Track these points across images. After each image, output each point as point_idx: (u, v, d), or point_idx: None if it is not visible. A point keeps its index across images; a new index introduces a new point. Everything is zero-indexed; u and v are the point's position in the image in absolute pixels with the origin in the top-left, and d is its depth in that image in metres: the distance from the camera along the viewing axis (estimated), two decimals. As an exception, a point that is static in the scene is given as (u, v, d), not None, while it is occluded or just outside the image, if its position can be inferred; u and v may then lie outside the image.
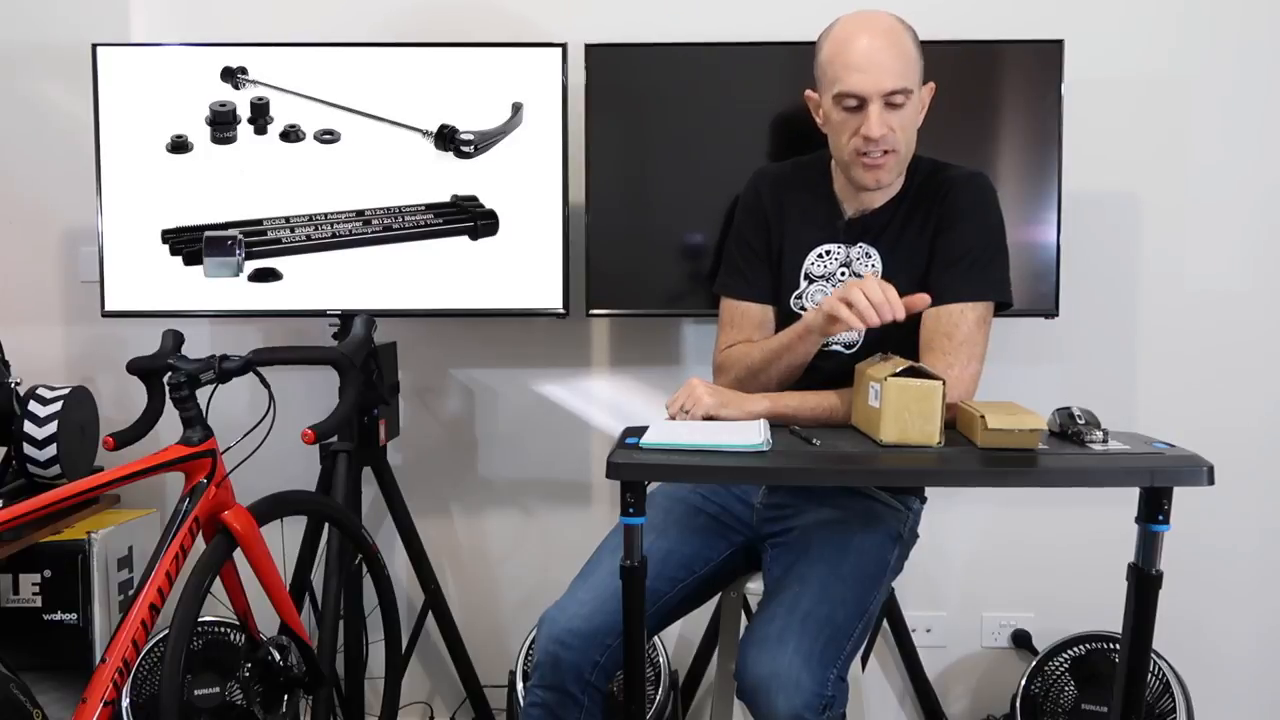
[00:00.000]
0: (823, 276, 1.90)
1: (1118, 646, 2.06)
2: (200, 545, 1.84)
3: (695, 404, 1.74)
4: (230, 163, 2.32)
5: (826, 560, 1.72)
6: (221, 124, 2.22)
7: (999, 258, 1.85)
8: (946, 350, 1.78)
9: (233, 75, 2.13)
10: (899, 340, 1.79)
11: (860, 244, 1.88)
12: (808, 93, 1.89)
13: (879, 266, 1.86)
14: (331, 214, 2.33)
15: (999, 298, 1.85)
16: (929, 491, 1.97)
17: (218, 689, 2.39)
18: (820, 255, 1.91)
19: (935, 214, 1.84)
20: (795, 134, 2.29)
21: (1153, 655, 2.03)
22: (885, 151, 1.79)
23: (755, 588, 1.87)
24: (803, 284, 1.92)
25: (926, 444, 1.56)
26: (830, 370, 1.84)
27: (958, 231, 1.82)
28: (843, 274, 1.89)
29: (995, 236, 1.85)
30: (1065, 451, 1.55)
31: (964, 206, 1.84)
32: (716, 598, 1.98)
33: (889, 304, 1.62)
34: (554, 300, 2.36)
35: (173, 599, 1.77)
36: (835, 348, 1.88)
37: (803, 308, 1.90)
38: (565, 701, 1.74)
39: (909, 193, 1.88)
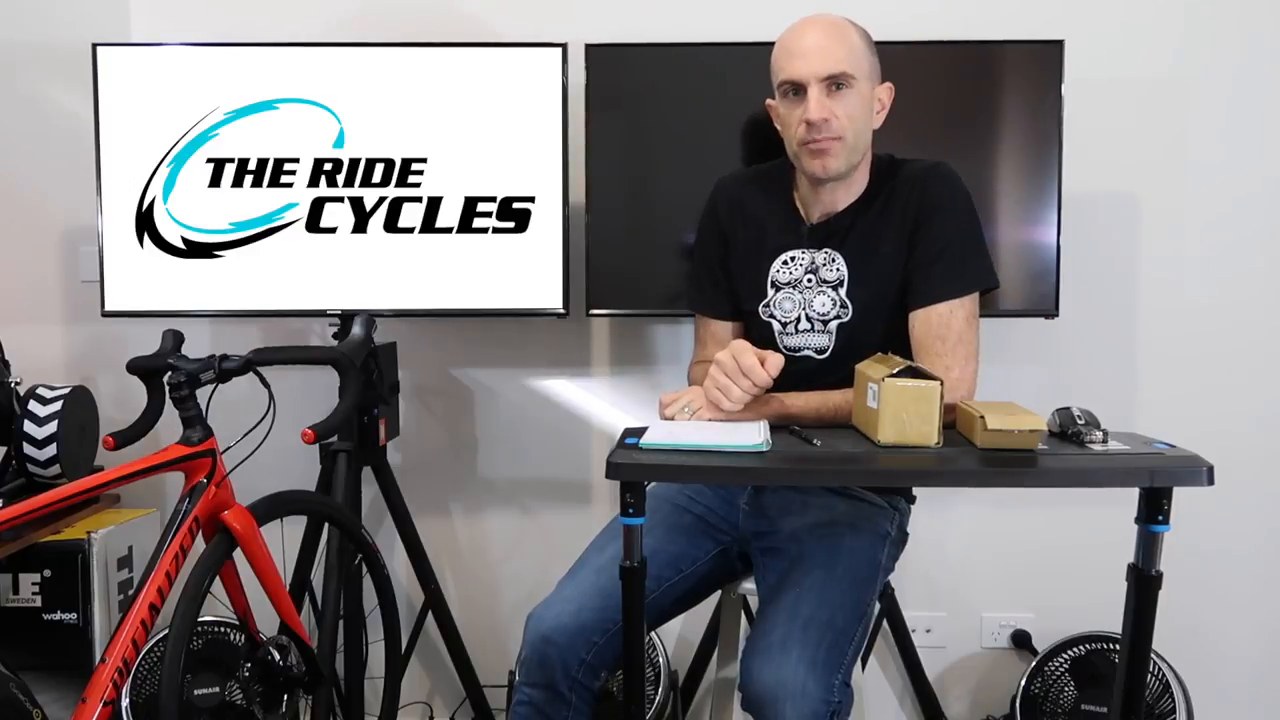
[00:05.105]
0: (789, 283, 1.90)
1: (1117, 647, 2.06)
2: (200, 545, 1.85)
3: (705, 405, 1.74)
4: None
5: (821, 564, 1.72)
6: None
7: (977, 244, 1.85)
8: (942, 353, 1.78)
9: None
10: (873, 345, 1.79)
11: (825, 248, 1.88)
12: (768, 102, 1.90)
13: (844, 270, 1.86)
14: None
15: (983, 286, 1.85)
16: (919, 492, 1.96)
17: (218, 689, 2.39)
18: (785, 262, 1.91)
19: (905, 211, 1.83)
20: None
21: (1153, 656, 2.03)
22: (830, 138, 1.79)
23: (753, 588, 1.86)
24: (770, 292, 1.91)
25: (924, 444, 1.56)
26: (798, 373, 1.83)
27: (932, 228, 1.82)
28: (809, 280, 1.88)
29: (969, 224, 1.85)
30: (1065, 452, 1.55)
31: (934, 201, 1.83)
32: (711, 599, 1.98)
33: (744, 375, 1.68)
34: (554, 300, 2.36)
35: (173, 599, 1.77)
36: (806, 353, 1.88)
37: (771, 315, 1.90)
38: (553, 699, 1.74)
39: (874, 194, 1.87)
